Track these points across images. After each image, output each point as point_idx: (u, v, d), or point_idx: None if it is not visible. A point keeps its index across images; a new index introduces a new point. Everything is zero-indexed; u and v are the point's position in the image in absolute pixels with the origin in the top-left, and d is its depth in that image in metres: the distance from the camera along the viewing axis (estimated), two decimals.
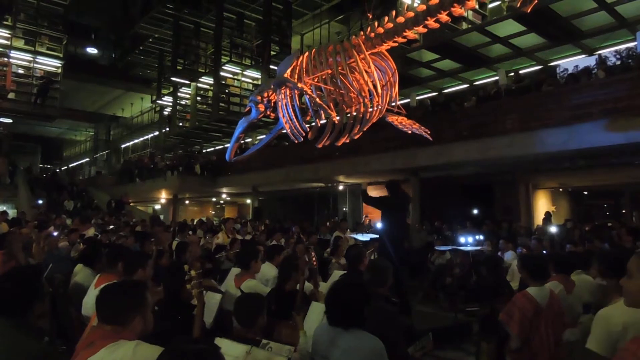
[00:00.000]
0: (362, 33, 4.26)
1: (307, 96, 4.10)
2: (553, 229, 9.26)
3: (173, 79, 16.82)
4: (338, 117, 4.24)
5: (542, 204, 12.97)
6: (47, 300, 2.21)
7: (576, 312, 3.38)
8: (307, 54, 4.33)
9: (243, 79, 16.03)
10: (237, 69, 15.67)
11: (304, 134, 4.18)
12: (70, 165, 33.07)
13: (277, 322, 2.79)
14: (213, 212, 23.64)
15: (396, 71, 4.49)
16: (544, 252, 6.70)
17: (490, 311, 3.80)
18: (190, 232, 8.62)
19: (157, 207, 23.41)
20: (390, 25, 3.94)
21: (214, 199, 23.18)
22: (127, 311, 1.78)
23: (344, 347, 1.95)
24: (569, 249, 6.38)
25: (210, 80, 16.09)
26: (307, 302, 3.11)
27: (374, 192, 14.14)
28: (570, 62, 10.69)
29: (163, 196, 20.62)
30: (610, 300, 2.41)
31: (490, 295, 3.67)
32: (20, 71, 14.88)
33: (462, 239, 7.99)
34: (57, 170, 29.39)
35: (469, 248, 7.10)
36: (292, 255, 4.27)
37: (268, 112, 4.42)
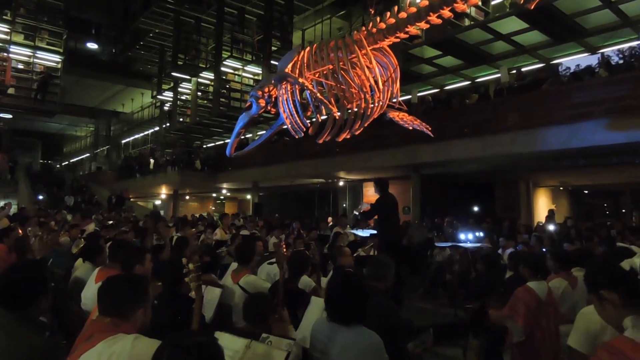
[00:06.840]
0: (363, 28, 4.24)
1: (308, 91, 4.08)
2: (551, 227, 9.25)
3: (173, 74, 16.79)
4: (339, 113, 4.22)
5: (542, 202, 12.96)
6: (50, 295, 2.20)
7: (580, 309, 3.40)
8: (308, 49, 4.31)
9: (244, 74, 16.00)
10: (238, 64, 15.64)
11: (304, 130, 4.16)
12: (70, 161, 33.06)
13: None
14: (213, 208, 23.67)
15: (398, 67, 4.47)
16: (544, 249, 6.69)
17: (480, 308, 3.79)
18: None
19: (158, 202, 23.44)
20: (392, 20, 3.92)
21: (214, 195, 23.19)
22: (130, 303, 1.78)
23: (342, 342, 1.93)
24: (566, 248, 6.37)
25: (210, 76, 16.06)
26: (303, 297, 3.09)
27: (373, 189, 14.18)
28: (573, 61, 10.66)
29: (163, 191, 20.62)
30: None
31: (484, 291, 3.67)
32: (20, 66, 14.85)
33: (462, 236, 7.98)
34: (57, 165, 29.43)
35: (468, 245, 7.09)
36: (302, 253, 4.20)
37: (269, 108, 4.39)
